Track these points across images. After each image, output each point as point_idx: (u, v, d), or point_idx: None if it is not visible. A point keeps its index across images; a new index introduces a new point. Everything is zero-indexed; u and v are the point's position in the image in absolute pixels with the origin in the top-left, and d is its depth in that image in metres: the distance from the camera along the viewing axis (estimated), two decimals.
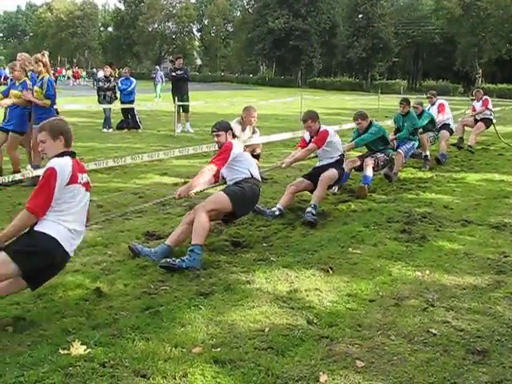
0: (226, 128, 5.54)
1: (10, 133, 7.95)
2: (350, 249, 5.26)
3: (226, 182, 5.47)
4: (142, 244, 5.12)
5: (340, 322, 3.68)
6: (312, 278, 4.48)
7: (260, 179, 5.57)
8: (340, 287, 4.30)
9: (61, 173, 3.58)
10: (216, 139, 5.56)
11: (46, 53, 8.05)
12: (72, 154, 3.80)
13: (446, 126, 10.98)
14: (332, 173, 6.54)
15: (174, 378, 2.97)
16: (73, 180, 3.66)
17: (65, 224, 3.63)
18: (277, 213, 6.34)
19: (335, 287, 4.30)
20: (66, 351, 3.19)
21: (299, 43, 64.16)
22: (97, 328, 3.50)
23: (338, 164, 6.71)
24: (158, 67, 30.23)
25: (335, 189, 7.56)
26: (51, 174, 3.56)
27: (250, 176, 5.34)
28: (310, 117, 6.72)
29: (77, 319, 3.61)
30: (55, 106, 8.24)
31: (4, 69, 48.60)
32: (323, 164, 6.74)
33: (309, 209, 6.19)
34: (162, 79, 28.65)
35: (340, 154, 6.76)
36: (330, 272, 4.60)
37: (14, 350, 3.23)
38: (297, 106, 19.43)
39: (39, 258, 3.53)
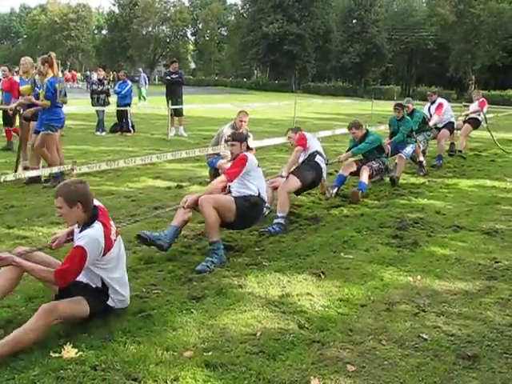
0: (241, 139, 5.55)
1: (41, 133, 8.17)
2: (342, 254, 5.28)
3: (230, 191, 5.35)
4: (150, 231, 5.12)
5: (331, 327, 3.69)
6: (304, 283, 4.49)
7: (266, 200, 5.55)
8: (332, 292, 4.31)
9: (91, 253, 3.46)
10: (230, 148, 5.62)
11: (53, 54, 8.13)
12: (96, 214, 3.62)
13: (448, 125, 11.11)
14: (291, 183, 6.51)
15: (166, 382, 2.97)
16: (108, 247, 3.59)
17: (116, 295, 3.72)
18: (266, 212, 6.32)
19: (327, 292, 4.31)
20: (57, 354, 3.18)
21: (293, 48, 64.31)
22: (88, 331, 3.49)
23: (307, 162, 6.84)
24: (141, 70, 29.91)
25: (332, 193, 7.60)
26: (82, 256, 3.44)
27: (257, 194, 5.27)
28: (291, 129, 7.35)
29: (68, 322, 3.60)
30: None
31: None
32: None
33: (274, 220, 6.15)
34: (145, 82, 28.12)
35: (313, 150, 6.88)
36: (322, 277, 4.61)
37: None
38: (291, 111, 19.47)
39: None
